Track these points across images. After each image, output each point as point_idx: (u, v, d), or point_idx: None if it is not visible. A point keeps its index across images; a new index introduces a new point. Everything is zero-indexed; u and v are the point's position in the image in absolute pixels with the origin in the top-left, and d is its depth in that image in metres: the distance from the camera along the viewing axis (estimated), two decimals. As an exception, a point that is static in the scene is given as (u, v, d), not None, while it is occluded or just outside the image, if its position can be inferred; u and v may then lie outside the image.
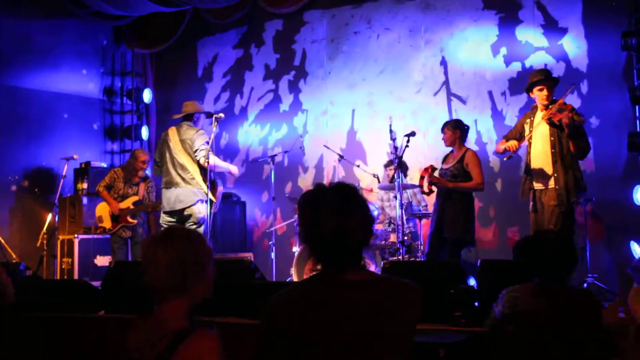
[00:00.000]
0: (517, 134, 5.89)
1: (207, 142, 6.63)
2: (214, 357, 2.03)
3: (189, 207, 6.66)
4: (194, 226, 6.62)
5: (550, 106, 5.60)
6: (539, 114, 5.76)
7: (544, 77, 5.74)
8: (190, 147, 6.72)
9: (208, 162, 6.52)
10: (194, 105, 7.05)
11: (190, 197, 6.66)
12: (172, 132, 6.91)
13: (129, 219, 7.53)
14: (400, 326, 1.99)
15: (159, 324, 2.12)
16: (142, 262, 2.18)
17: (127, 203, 7.56)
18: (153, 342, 2.07)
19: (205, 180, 6.63)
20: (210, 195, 6.59)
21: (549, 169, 5.60)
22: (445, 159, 6.50)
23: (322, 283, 2.05)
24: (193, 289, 2.15)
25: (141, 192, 7.63)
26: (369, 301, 1.97)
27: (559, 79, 5.91)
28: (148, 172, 7.94)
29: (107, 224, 7.60)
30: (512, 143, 5.74)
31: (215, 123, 6.76)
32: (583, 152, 5.58)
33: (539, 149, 5.69)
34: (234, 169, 7.17)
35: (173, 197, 6.72)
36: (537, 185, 5.69)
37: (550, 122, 5.54)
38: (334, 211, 1.98)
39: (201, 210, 6.66)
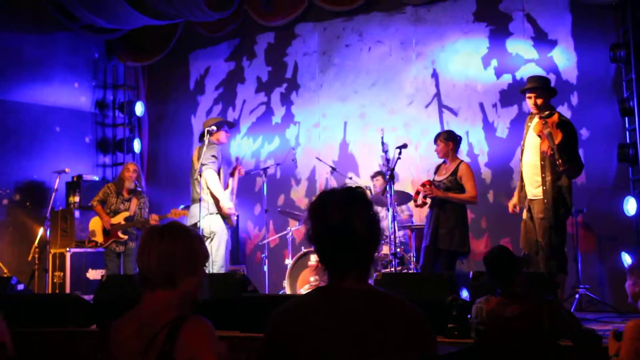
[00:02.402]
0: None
1: (214, 156, 6.76)
2: (211, 340, 2.12)
3: (199, 221, 6.74)
4: (207, 240, 6.63)
5: (546, 119, 5.55)
6: (535, 121, 5.75)
7: (532, 85, 5.74)
8: (203, 167, 6.87)
9: (206, 178, 6.73)
10: (207, 121, 7.27)
11: (200, 212, 6.74)
12: (195, 150, 7.18)
13: (120, 234, 7.57)
14: (400, 347, 1.95)
15: (150, 317, 2.16)
16: (138, 251, 2.26)
17: (119, 218, 7.58)
18: (149, 337, 2.10)
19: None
20: (223, 210, 6.74)
21: (537, 180, 5.61)
22: (437, 170, 6.51)
23: (321, 295, 2.05)
24: (182, 283, 2.22)
25: (132, 208, 7.65)
26: (369, 310, 1.97)
27: (554, 89, 5.89)
28: (132, 186, 7.82)
29: (99, 238, 7.63)
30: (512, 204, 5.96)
31: (207, 136, 6.86)
32: (571, 173, 5.57)
33: (530, 159, 5.69)
34: (226, 204, 6.86)
35: (190, 213, 6.97)
36: (529, 195, 5.70)
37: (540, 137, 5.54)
38: (340, 203, 2.02)
39: (211, 224, 6.76)
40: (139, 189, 7.97)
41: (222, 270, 6.73)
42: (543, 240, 5.49)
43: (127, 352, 2.15)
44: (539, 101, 5.66)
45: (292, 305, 2.07)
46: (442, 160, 6.50)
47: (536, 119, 5.69)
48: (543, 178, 5.53)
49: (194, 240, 2.27)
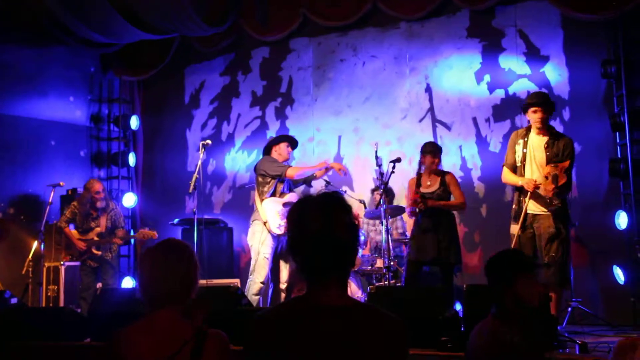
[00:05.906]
0: (513, 157, 5.85)
1: (280, 162, 6.90)
2: (231, 354, 2.31)
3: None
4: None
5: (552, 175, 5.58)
6: (533, 135, 5.77)
7: (538, 99, 5.77)
8: (256, 176, 6.94)
9: (292, 175, 6.80)
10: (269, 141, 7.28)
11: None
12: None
13: (94, 250, 7.62)
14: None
15: (166, 333, 2.23)
16: (146, 269, 2.33)
17: (91, 235, 7.65)
18: (168, 353, 2.15)
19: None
20: (264, 220, 6.67)
21: (545, 194, 5.62)
22: (419, 182, 6.46)
23: (302, 312, 2.01)
24: (190, 296, 2.36)
25: (103, 224, 7.63)
26: (348, 329, 1.95)
27: (553, 106, 5.92)
28: (103, 205, 7.80)
29: (75, 252, 7.67)
30: (530, 183, 5.60)
31: (202, 150, 6.92)
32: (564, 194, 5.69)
33: (536, 176, 5.68)
34: (321, 164, 7.19)
35: None
36: (532, 209, 5.68)
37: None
38: (320, 209, 2.01)
39: (250, 231, 6.82)
40: (108, 203, 7.90)
41: (257, 284, 6.63)
42: (556, 254, 5.51)
43: None
44: (544, 116, 5.70)
45: (272, 319, 2.03)
46: (418, 171, 6.51)
47: (533, 134, 5.75)
48: (553, 193, 5.56)
49: (194, 256, 2.39)
